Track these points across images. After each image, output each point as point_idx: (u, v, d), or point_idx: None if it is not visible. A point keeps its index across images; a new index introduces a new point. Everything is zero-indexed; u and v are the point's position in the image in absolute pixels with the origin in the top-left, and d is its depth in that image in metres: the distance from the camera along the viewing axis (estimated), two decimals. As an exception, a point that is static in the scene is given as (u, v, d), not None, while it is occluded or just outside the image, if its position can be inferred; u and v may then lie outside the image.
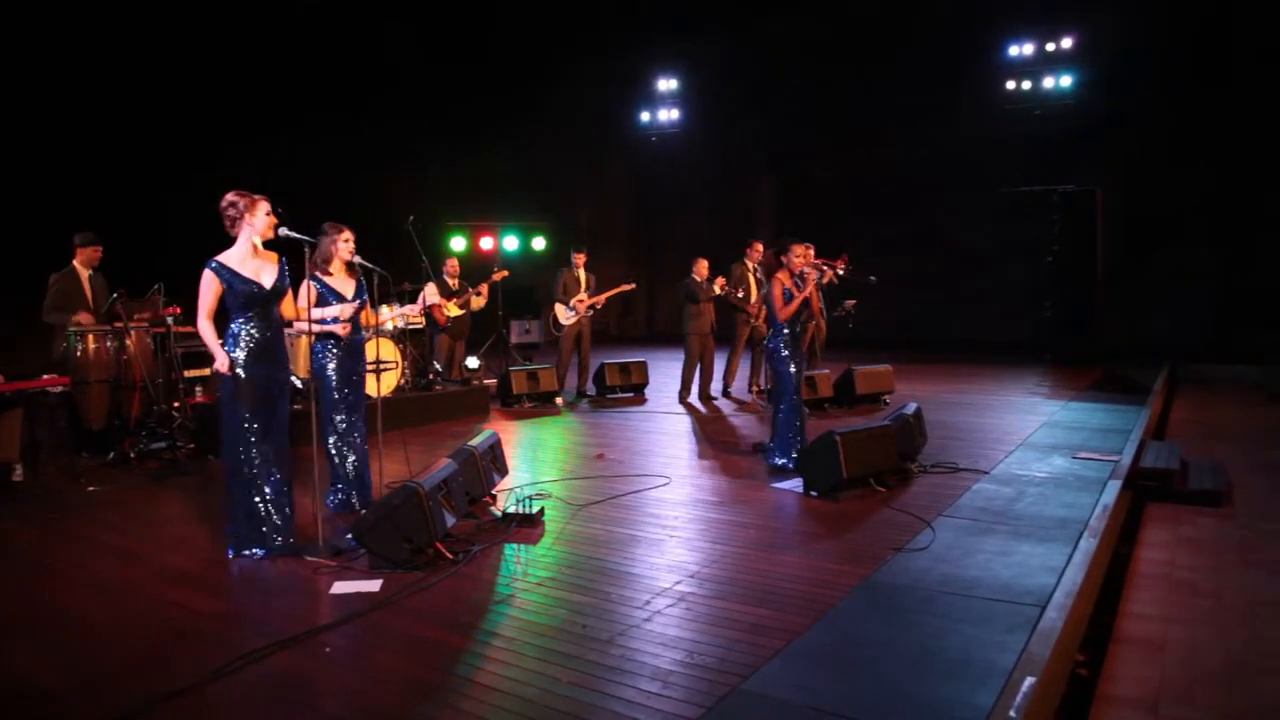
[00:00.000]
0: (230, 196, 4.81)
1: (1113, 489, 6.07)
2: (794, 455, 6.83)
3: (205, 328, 4.80)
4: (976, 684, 3.28)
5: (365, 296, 5.85)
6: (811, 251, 7.11)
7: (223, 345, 4.81)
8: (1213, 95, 15.96)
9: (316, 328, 5.57)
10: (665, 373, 12.51)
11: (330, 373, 5.70)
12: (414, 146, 17.62)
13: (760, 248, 10.85)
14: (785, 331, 6.95)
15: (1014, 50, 18.42)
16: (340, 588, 4.36)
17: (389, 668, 3.55)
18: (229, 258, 4.80)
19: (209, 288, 4.76)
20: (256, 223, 4.80)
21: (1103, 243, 15.94)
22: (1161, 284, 16.95)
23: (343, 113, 15.85)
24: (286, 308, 5.11)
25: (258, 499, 4.84)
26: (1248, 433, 9.67)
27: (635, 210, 23.61)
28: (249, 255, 4.85)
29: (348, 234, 5.76)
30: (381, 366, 7.83)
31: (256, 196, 4.83)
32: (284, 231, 4.90)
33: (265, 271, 4.88)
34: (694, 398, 11.00)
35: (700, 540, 5.17)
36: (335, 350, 5.70)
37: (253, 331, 4.82)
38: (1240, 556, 5.42)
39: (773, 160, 21.00)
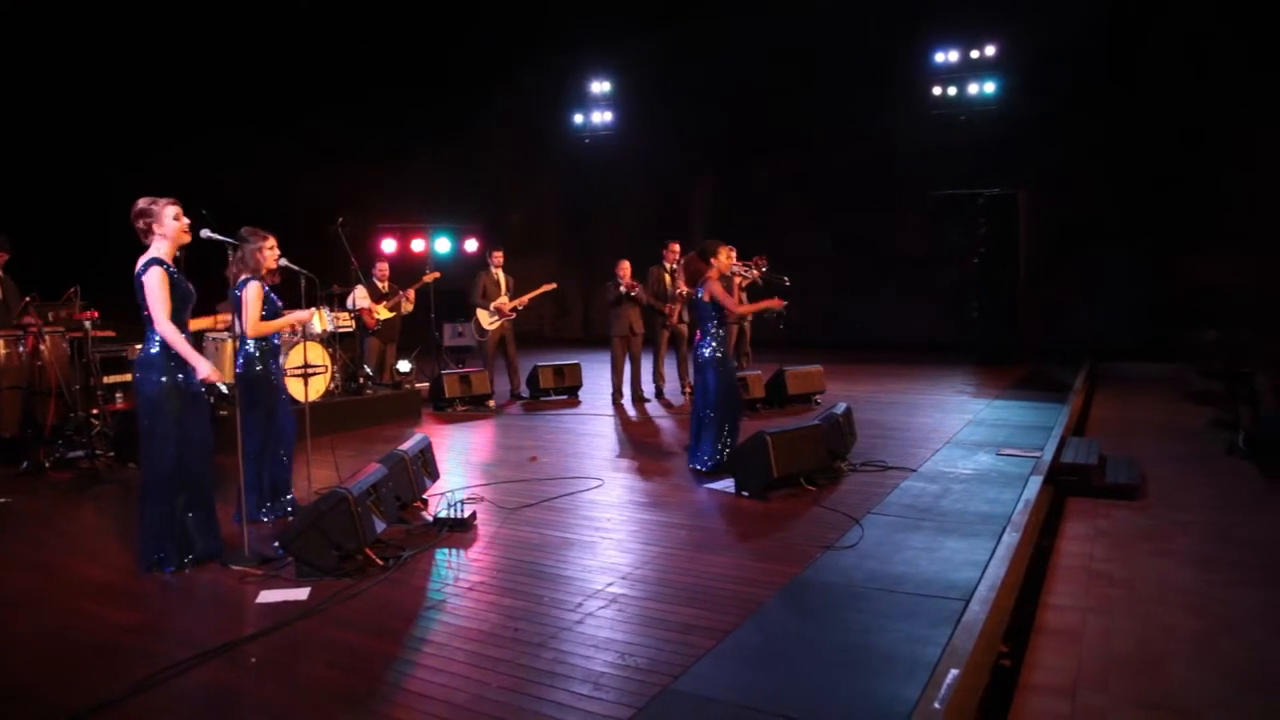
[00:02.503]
0: (140, 203, 4.61)
1: (1034, 484, 6.25)
2: (721, 458, 6.85)
3: (172, 331, 4.55)
4: (902, 677, 3.34)
5: (282, 305, 5.75)
6: (734, 254, 7.15)
7: (154, 352, 4.63)
8: (1128, 100, 16.53)
9: (272, 327, 5.49)
10: (600, 375, 12.51)
11: (253, 380, 5.57)
12: (343, 148, 17.34)
13: (676, 248, 10.88)
14: (713, 335, 6.92)
15: (940, 57, 18.84)
16: (267, 596, 4.27)
17: (316, 677, 3.49)
18: (167, 256, 4.64)
19: (162, 285, 4.52)
20: (167, 229, 4.62)
21: (1026, 245, 16.39)
22: (1082, 284, 17.51)
23: (269, 115, 15.53)
24: (201, 319, 5.01)
25: (179, 509, 4.70)
26: (1161, 428, 10.03)
27: (569, 212, 23.55)
28: (170, 261, 4.71)
29: (272, 240, 5.62)
30: (309, 371, 7.68)
31: (162, 200, 4.66)
32: (205, 233, 4.77)
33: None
34: (627, 400, 11.02)
35: (632, 541, 5.18)
36: (258, 355, 5.58)
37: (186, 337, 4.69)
38: (1152, 547, 5.62)
39: (705, 162, 21.15)
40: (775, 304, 7.23)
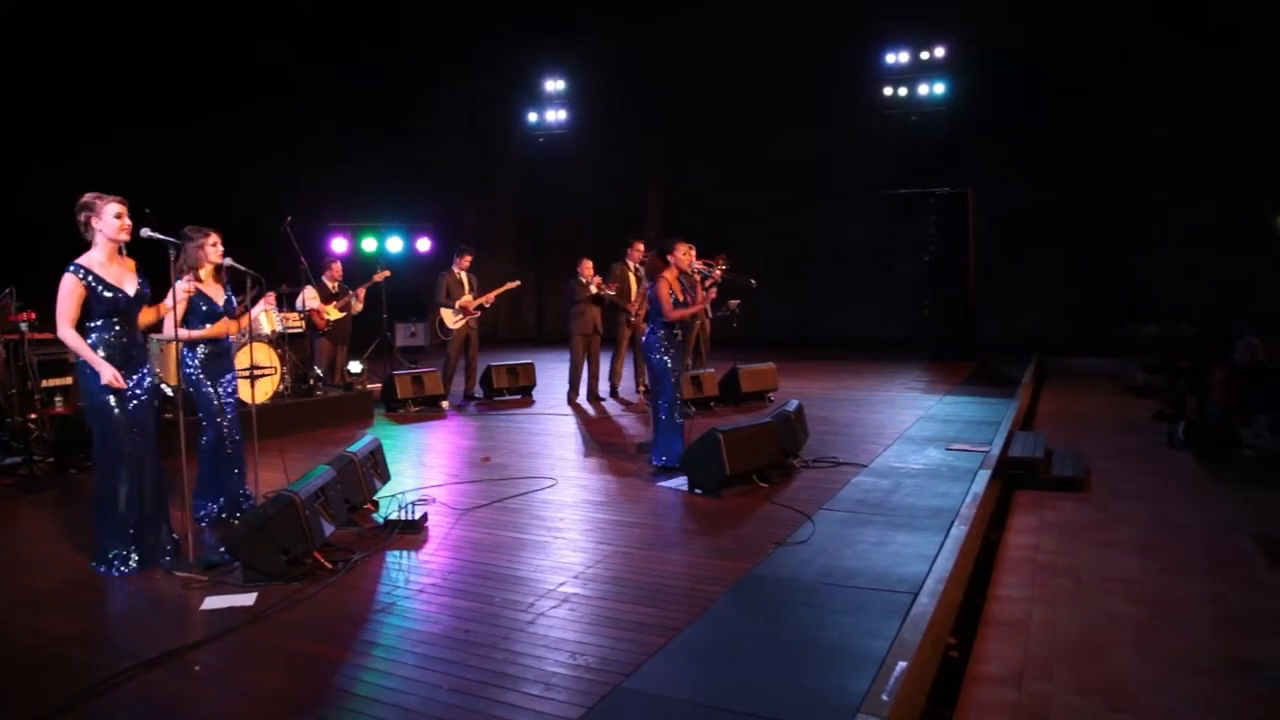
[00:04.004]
0: (85, 197, 4.55)
1: (983, 478, 6.35)
2: (676, 454, 6.86)
3: (72, 336, 4.52)
4: (852, 671, 3.37)
5: (235, 303, 5.63)
6: (693, 252, 7.17)
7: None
8: (1074, 102, 16.86)
9: (186, 334, 5.35)
10: (554, 374, 12.46)
11: (200, 381, 5.46)
12: (292, 146, 17.07)
13: (641, 247, 10.89)
14: (662, 329, 6.94)
15: (891, 58, 19.10)
16: (212, 603, 4.19)
17: (263, 684, 3.43)
18: (90, 261, 4.54)
19: (71, 293, 4.48)
20: (105, 226, 4.53)
21: (975, 243, 16.66)
22: (1030, 281, 17.86)
23: (216, 111, 15.23)
24: (148, 315, 4.89)
25: (127, 514, 4.60)
26: (1106, 421, 10.26)
27: (523, 211, 23.45)
28: (109, 260, 4.61)
29: (215, 237, 5.50)
30: (257, 372, 7.55)
31: (107, 197, 4.57)
32: (146, 232, 4.66)
33: (126, 278, 4.65)
34: (582, 398, 10.99)
35: (585, 541, 5.17)
36: (204, 358, 5.47)
37: (113, 341, 4.59)
38: (1096, 537, 5.75)
39: (661, 160, 21.19)
40: (698, 309, 7.21)
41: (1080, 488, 6.97)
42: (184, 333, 5.34)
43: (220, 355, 5.59)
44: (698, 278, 7.13)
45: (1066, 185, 17.33)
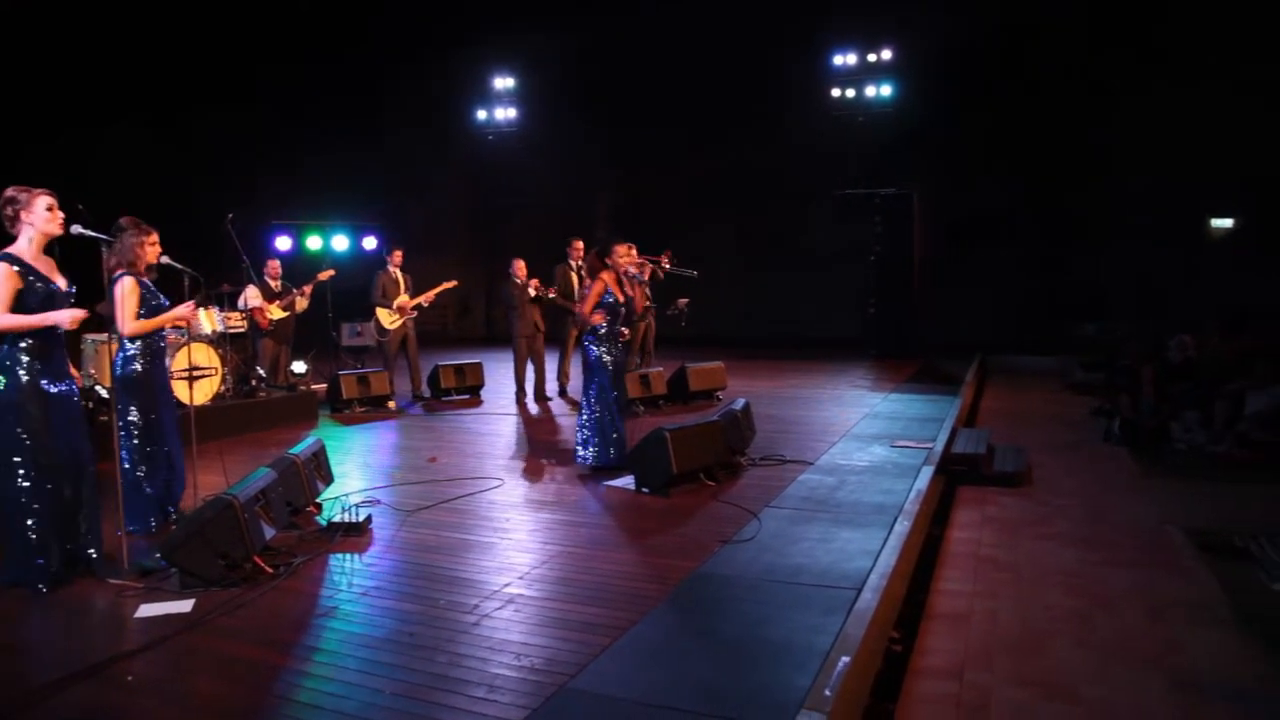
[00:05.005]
0: (9, 192, 4.39)
1: (926, 475, 6.45)
2: (611, 453, 6.85)
3: (8, 319, 4.28)
4: (796, 667, 3.40)
5: (167, 302, 5.49)
6: (634, 250, 7.17)
7: (4, 349, 4.35)
8: (1017, 105, 17.19)
9: (151, 324, 5.23)
10: (503, 374, 12.39)
11: (135, 383, 5.32)
12: (235, 143, 16.73)
13: (581, 246, 10.84)
14: (599, 330, 6.90)
15: (839, 60, 19.28)
16: (147, 610, 4.08)
17: (201, 693, 3.36)
18: (20, 252, 4.38)
19: (6, 282, 4.27)
20: (36, 219, 4.39)
21: (920, 243, 16.93)
22: (974, 281, 18.17)
23: (157, 106, 14.88)
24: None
25: (47, 521, 4.43)
26: (1046, 418, 10.48)
27: (473, 210, 23.27)
28: (38, 255, 4.46)
29: (154, 236, 5.37)
30: (196, 373, 7.39)
31: (36, 190, 4.42)
32: (76, 229, 4.53)
33: (57, 275, 4.52)
34: (530, 399, 10.94)
35: (531, 541, 5.14)
36: (137, 355, 5.33)
37: (40, 339, 4.42)
38: (1036, 531, 5.87)
39: (611, 160, 21.16)
40: (597, 318, 7.14)
41: (1021, 483, 7.11)
42: (141, 324, 5.21)
43: (157, 355, 5.45)
44: (648, 272, 7.13)
45: (1009, 187, 17.68)
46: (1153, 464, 7.84)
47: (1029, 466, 7.56)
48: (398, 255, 10.84)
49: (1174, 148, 15.53)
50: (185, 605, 4.12)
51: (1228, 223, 17.09)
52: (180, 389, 7.27)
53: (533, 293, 10.65)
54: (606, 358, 6.91)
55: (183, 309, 5.44)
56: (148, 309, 5.31)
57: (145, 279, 5.35)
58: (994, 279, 18.09)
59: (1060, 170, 17.20)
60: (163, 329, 5.47)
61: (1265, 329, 10.24)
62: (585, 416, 6.94)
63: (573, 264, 10.79)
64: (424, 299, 10.90)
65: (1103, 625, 4.31)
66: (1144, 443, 8.43)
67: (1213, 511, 6.26)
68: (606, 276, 6.91)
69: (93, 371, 7.96)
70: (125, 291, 5.14)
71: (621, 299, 6.94)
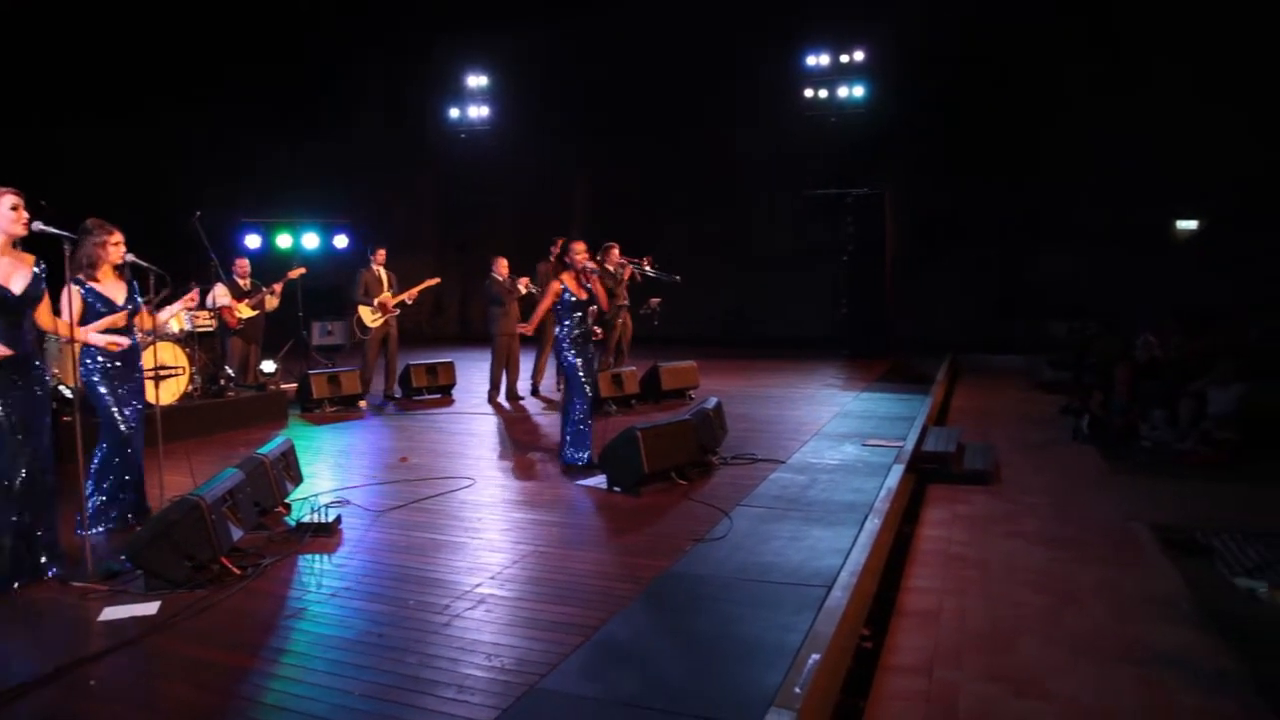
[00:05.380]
0: None
1: (896, 473, 6.49)
2: (589, 451, 6.92)
3: None
4: (766, 665, 3.41)
5: (140, 300, 5.39)
6: (616, 251, 7.21)
7: None
8: (989, 106, 17.34)
9: (86, 339, 5.09)
10: (474, 373, 12.32)
11: (99, 383, 5.22)
12: (203, 139, 16.52)
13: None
14: (571, 330, 6.98)
15: (811, 60, 19.34)
16: (111, 614, 4.02)
17: (166, 696, 3.32)
18: None
19: None
20: (0, 218, 4.31)
21: (892, 243, 17.03)
22: (945, 280, 18.33)
23: (122, 101, 14.66)
24: (43, 317, 4.65)
25: (5, 524, 4.34)
26: (1016, 416, 10.59)
27: (446, 208, 23.13)
28: (2, 254, 4.37)
29: (118, 235, 5.24)
30: (162, 373, 7.29)
31: (3, 189, 4.34)
32: (38, 226, 4.44)
33: (17, 275, 4.39)
34: (502, 397, 10.90)
35: (503, 541, 5.12)
36: (105, 359, 5.22)
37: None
38: (1005, 529, 5.93)
39: (585, 158, 21.12)
40: (527, 328, 7.38)
41: (990, 481, 7.17)
42: (81, 332, 5.09)
43: (127, 356, 5.33)
44: (625, 274, 7.15)
45: (980, 187, 17.84)
46: (1120, 462, 7.94)
47: (998, 465, 7.63)
48: (381, 254, 10.83)
49: (1142, 150, 15.76)
50: (150, 608, 4.06)
51: (1192, 224, 17.36)
52: (147, 389, 7.18)
53: (523, 290, 10.63)
54: (580, 362, 7.00)
55: (117, 316, 5.28)
56: (94, 316, 5.14)
57: (98, 285, 5.17)
58: (965, 278, 18.26)
59: (1030, 171, 17.39)
60: (131, 330, 5.35)
61: (1227, 329, 10.41)
62: (575, 419, 7.00)
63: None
64: (407, 296, 10.88)
65: (1070, 621, 4.36)
66: (1112, 441, 8.54)
67: (1177, 509, 6.35)
68: (565, 276, 6.96)
69: (55, 371, 7.83)
70: (66, 300, 4.96)
71: (584, 296, 6.95)
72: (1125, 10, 16.25)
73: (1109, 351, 11.52)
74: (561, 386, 10.93)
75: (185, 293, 5.94)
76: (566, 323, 7.01)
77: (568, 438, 7.05)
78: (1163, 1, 15.88)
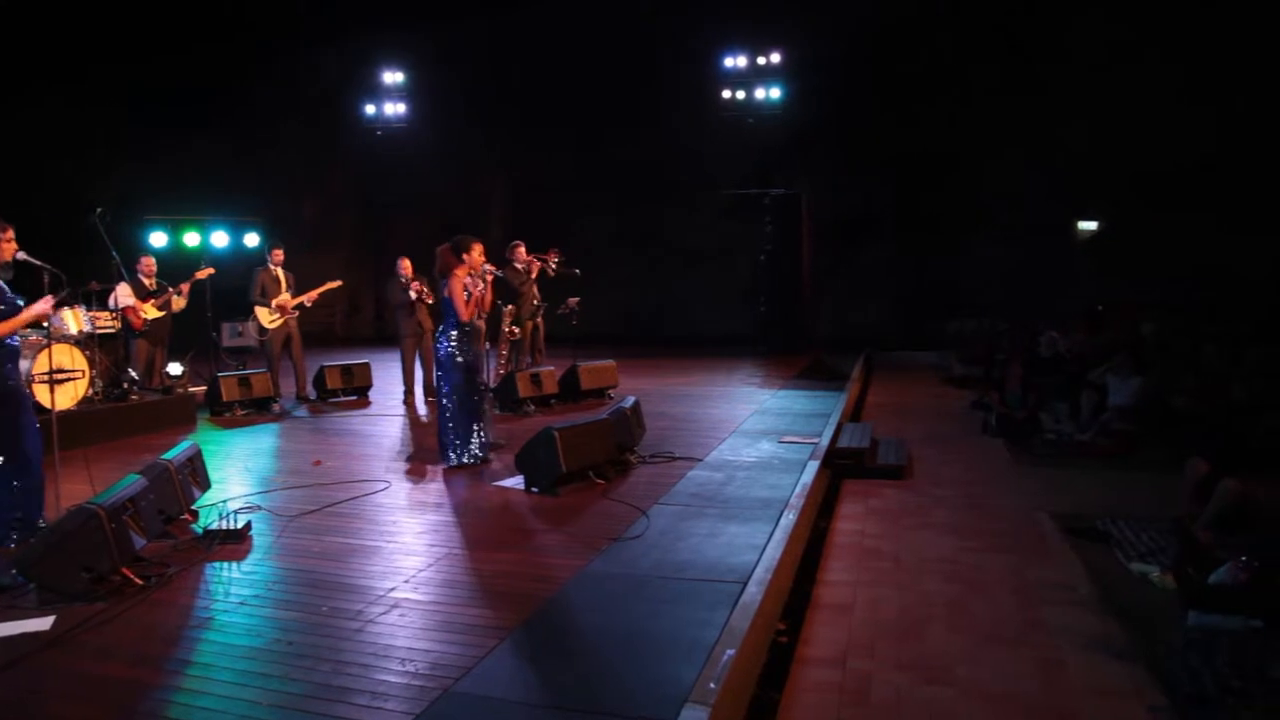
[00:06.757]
0: None
1: (812, 469, 6.60)
2: (472, 452, 6.91)
3: None
4: (682, 661, 3.43)
5: (22, 302, 5.16)
6: (522, 249, 7.13)
7: None
8: (902, 108, 17.78)
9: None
10: (391, 374, 12.10)
11: None
12: (104, 133, 15.89)
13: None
14: (455, 330, 6.87)
15: (729, 61, 19.55)
16: (1, 630, 3.84)
17: (58, 716, 3.18)
18: None
19: None
20: None
21: (808, 242, 17.33)
22: (860, 279, 18.76)
23: (11, 90, 14.01)
24: None
25: None
26: (928, 411, 10.87)
27: (361, 206, 22.71)
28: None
29: (9, 232, 5.05)
30: (59, 376, 7.00)
31: None
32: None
33: None
34: (419, 399, 10.74)
35: (418, 544, 5.05)
36: None
37: None
38: (916, 521, 6.08)
39: (504, 157, 20.97)
40: (466, 315, 7.04)
41: (902, 475, 7.35)
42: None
43: (10, 357, 5.11)
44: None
45: (893, 188, 18.29)
46: (1025, 454, 8.21)
47: (911, 459, 7.83)
48: (278, 254, 10.54)
49: (1050, 152, 16.35)
50: (44, 623, 3.89)
51: (1093, 225, 18.09)
52: (41, 393, 6.89)
53: (412, 295, 10.40)
54: (459, 357, 6.88)
55: (40, 305, 5.12)
56: (6, 310, 4.96)
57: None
58: (879, 277, 18.71)
59: (940, 173, 17.89)
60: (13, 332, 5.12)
61: (1125, 324, 10.87)
62: (445, 416, 6.92)
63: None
64: (306, 298, 10.61)
65: (977, 609, 4.50)
66: (1017, 434, 8.82)
67: (1078, 497, 6.60)
68: (460, 273, 6.84)
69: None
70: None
71: (475, 294, 6.88)
72: (1026, 15, 16.84)
73: (1014, 347, 11.94)
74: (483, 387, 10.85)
75: (83, 292, 5.72)
76: (450, 321, 6.88)
77: (441, 437, 6.98)
78: (1061, 7, 16.49)
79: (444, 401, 6.92)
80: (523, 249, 10.33)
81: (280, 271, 10.48)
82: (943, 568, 5.11)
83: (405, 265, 10.51)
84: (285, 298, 10.41)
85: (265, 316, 10.38)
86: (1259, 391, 6.86)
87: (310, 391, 10.82)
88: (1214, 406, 7.32)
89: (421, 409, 10.29)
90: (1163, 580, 4.65)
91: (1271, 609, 3.72)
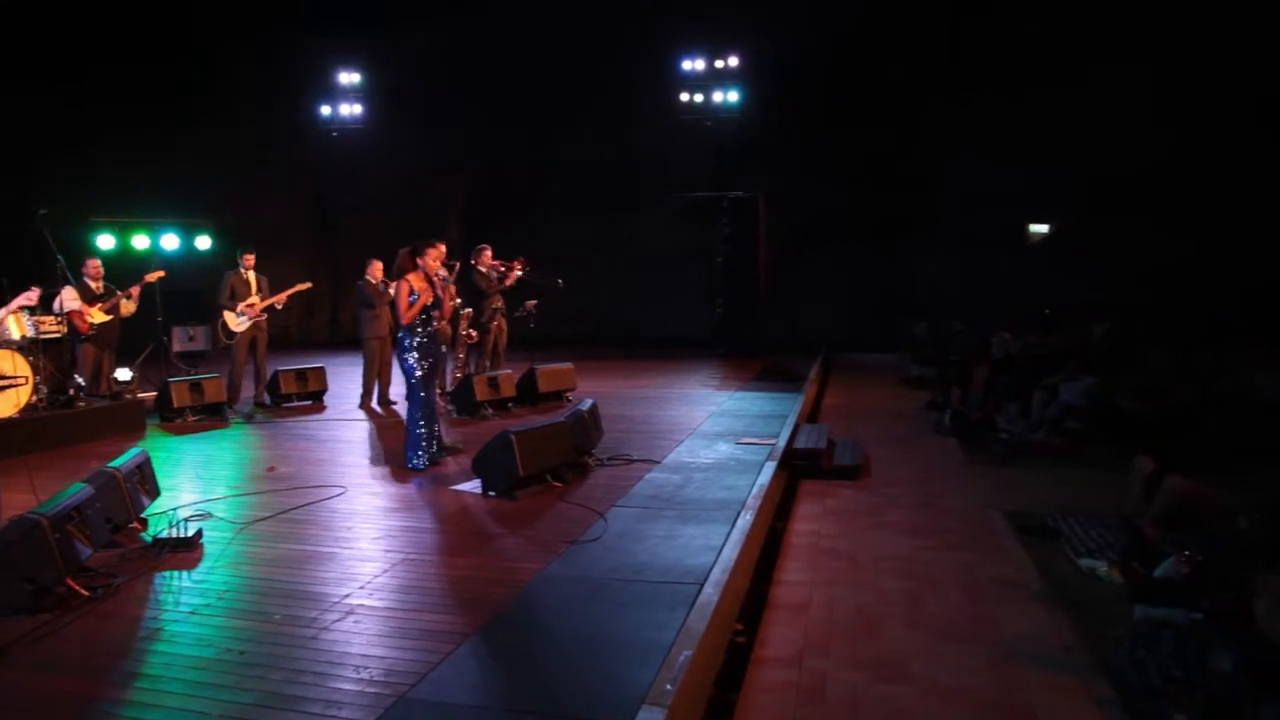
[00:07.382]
0: None
1: (769, 470, 6.64)
2: (430, 455, 6.95)
3: None
4: (639, 663, 3.43)
5: None
6: (488, 253, 7.10)
7: None
8: (858, 112, 17.95)
9: None
10: (347, 378, 11.98)
11: None
12: (49, 129, 15.51)
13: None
14: (415, 332, 6.87)
15: (687, 64, 19.60)
16: (-62, 645, 3.74)
17: (0, 730, 3.11)
18: None
19: None
20: None
21: (765, 245, 17.43)
22: (818, 281, 18.90)
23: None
24: None
25: None
26: (884, 412, 10.99)
27: (317, 208, 22.42)
28: None
29: None
30: (1, 383, 6.83)
31: None
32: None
33: None
34: (375, 403, 10.63)
35: (374, 549, 5.00)
36: None
37: None
38: (871, 521, 6.15)
39: (462, 159, 20.82)
40: (407, 318, 7.01)
41: (859, 475, 7.42)
42: None
43: None
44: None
45: (848, 191, 18.46)
46: (978, 453, 8.34)
47: (866, 459, 7.91)
48: (249, 258, 10.44)
49: (1005, 156, 16.61)
50: (-14, 636, 3.80)
51: (1044, 228, 18.42)
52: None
53: (391, 294, 10.35)
54: (422, 366, 6.91)
55: None
56: None
57: None
58: (836, 279, 18.87)
59: (895, 175, 18.11)
60: None
61: (1076, 326, 11.07)
62: (414, 425, 6.94)
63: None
64: (275, 301, 10.50)
65: (931, 606, 4.56)
66: (970, 433, 8.95)
67: (1029, 496, 6.70)
68: (413, 277, 6.81)
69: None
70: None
71: (430, 298, 6.85)
72: (976, 21, 17.12)
73: (969, 349, 12.10)
74: (440, 391, 10.77)
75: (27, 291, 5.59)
76: (412, 326, 6.86)
77: (408, 441, 6.99)
78: (1012, 13, 16.78)
79: (412, 408, 6.92)
80: (489, 253, 10.27)
81: (252, 275, 10.37)
82: (898, 566, 5.17)
83: (376, 267, 10.42)
84: (255, 300, 10.31)
85: (233, 320, 10.26)
86: (1203, 392, 7.03)
87: (265, 396, 10.66)
88: (1160, 406, 7.49)
89: (378, 413, 10.18)
90: (1110, 575, 4.74)
91: (1211, 601, 3.82)
